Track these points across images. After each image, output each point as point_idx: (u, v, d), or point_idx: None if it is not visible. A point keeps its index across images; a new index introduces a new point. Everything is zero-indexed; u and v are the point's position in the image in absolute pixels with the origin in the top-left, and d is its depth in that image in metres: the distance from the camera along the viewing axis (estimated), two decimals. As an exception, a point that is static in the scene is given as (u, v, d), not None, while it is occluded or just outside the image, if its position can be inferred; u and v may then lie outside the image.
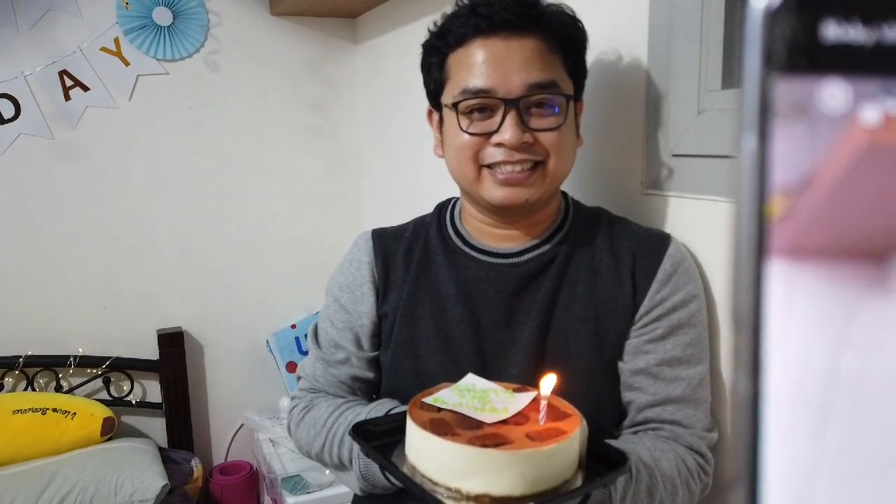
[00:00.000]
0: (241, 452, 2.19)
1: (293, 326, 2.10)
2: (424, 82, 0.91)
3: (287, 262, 2.15)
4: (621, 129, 1.04)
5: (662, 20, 0.92)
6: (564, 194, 0.95)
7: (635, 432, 0.87)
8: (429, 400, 0.67)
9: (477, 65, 0.79)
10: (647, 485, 0.78)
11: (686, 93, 0.89)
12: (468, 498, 0.58)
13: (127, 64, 1.88)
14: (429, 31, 0.88)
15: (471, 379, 0.73)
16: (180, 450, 2.01)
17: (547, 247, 0.89)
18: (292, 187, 2.15)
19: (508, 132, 0.78)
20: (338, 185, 2.21)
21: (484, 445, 0.59)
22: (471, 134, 0.81)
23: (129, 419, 2.04)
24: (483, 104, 0.80)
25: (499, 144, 0.80)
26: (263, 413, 2.07)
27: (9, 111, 1.79)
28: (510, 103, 0.78)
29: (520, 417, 0.66)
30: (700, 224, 0.91)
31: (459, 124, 0.82)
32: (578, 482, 0.63)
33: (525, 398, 0.69)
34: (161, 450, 1.95)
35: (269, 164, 2.10)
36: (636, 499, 0.77)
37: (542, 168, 0.82)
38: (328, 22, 2.09)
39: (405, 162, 1.88)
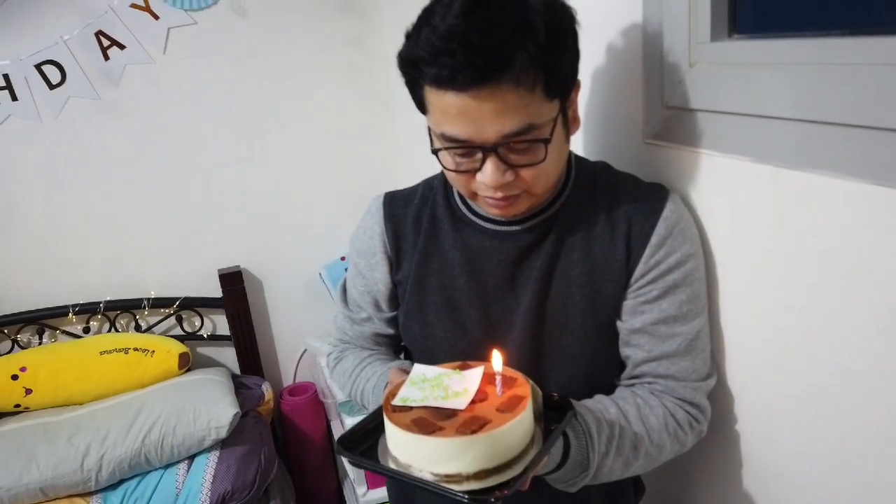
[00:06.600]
0: (307, 374, 2.38)
1: (342, 258, 2.21)
2: (406, 85, 0.84)
3: (330, 196, 2.22)
4: (621, 81, 1.02)
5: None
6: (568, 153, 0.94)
7: (631, 384, 0.91)
8: (398, 402, 0.71)
9: (451, 115, 0.76)
10: (632, 440, 0.83)
11: (677, 45, 0.86)
12: (468, 478, 0.64)
13: (156, 18, 1.92)
14: (400, 51, 0.79)
15: (419, 369, 0.77)
16: (252, 375, 2.21)
17: (547, 213, 0.91)
18: (329, 123, 2.18)
19: (488, 176, 0.79)
20: (371, 116, 2.22)
21: (473, 432, 0.64)
22: (458, 172, 0.83)
23: (204, 350, 2.24)
24: (464, 151, 0.80)
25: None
26: (323, 339, 2.21)
27: (55, 77, 1.88)
28: (488, 149, 0.78)
29: (479, 394, 0.71)
30: (699, 176, 0.91)
31: (446, 163, 0.83)
32: (539, 433, 0.71)
33: (474, 374, 0.73)
34: (235, 376, 2.15)
35: (304, 102, 2.14)
36: (620, 453, 0.83)
37: (527, 193, 0.84)
38: (349, -49, 2.04)
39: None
